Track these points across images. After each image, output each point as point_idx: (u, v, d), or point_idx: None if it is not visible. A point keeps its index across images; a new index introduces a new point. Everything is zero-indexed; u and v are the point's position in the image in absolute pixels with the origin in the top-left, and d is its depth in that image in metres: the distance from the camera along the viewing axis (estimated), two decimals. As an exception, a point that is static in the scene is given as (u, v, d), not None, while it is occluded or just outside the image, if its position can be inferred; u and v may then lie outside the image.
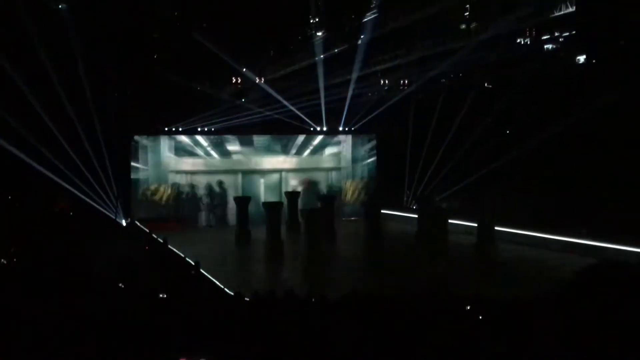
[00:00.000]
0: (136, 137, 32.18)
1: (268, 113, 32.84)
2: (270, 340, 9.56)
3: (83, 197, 29.08)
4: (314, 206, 30.10)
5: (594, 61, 30.78)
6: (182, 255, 22.09)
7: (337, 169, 37.31)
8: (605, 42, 29.58)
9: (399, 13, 34.76)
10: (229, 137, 34.07)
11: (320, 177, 37.08)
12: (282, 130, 34.03)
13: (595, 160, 26.11)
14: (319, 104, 33.50)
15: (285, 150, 35.66)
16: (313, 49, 35.78)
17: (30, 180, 27.66)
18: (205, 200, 35.06)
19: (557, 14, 30.37)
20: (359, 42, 35.27)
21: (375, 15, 36.26)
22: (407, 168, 34.38)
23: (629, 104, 25.51)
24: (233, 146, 34.40)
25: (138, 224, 29.97)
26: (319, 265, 21.72)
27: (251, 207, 29.47)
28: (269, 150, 35.67)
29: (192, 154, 34.21)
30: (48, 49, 28.13)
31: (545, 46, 33.25)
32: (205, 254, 22.72)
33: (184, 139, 33.55)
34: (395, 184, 34.65)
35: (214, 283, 18.61)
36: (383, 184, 34.95)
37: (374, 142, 36.01)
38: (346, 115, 34.27)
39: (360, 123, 34.57)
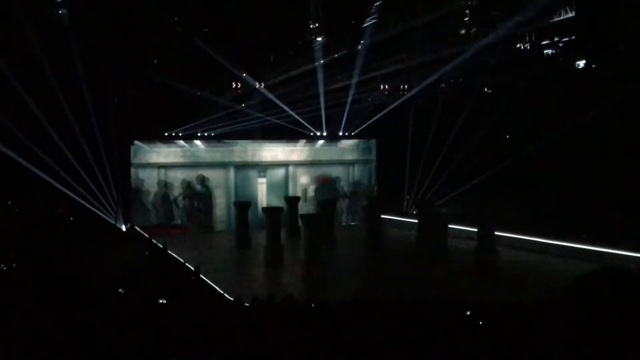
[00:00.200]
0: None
1: (268, 118, 32.67)
2: (269, 346, 9.53)
3: (83, 202, 29.04)
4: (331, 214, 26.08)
5: (593, 66, 30.76)
6: (182, 261, 22.07)
7: (365, 161, 33.07)
8: (604, 47, 29.57)
9: (399, 18, 34.77)
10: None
11: (340, 172, 32.58)
12: (281, 136, 33.50)
13: (595, 165, 26.09)
14: (319, 109, 33.42)
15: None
16: (313, 54, 35.76)
17: (29, 185, 27.61)
18: (182, 203, 29.39)
19: (556, 19, 30.36)
20: (359, 47, 35.26)
21: (375, 20, 36.26)
22: (407, 173, 34.35)
23: (629, 109, 25.48)
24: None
25: (137, 229, 29.92)
26: (319, 271, 21.64)
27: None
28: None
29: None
30: (47, 54, 28.13)
31: (545, 51, 33.24)
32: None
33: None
34: (395, 189, 34.61)
35: (214, 289, 18.59)
36: (383, 189, 34.91)
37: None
38: (346, 120, 34.22)
39: (360, 128, 34.53)
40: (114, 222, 30.12)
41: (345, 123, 34.30)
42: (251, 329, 10.27)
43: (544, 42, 32.41)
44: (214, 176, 29.19)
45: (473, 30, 33.82)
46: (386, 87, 37.94)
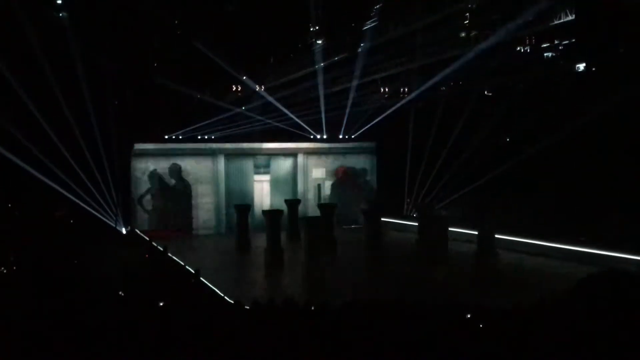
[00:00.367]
0: None
1: (268, 121, 32.62)
2: (270, 348, 9.52)
3: (83, 204, 29.02)
4: (355, 216, 21.86)
5: (593, 69, 30.81)
6: (182, 263, 22.05)
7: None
8: (604, 50, 29.61)
9: (399, 21, 34.83)
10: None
11: (365, 163, 27.61)
12: (281, 139, 33.57)
13: (595, 167, 26.09)
14: (319, 112, 33.39)
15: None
16: (313, 57, 35.77)
17: (30, 188, 27.61)
18: (150, 203, 23.51)
19: (556, 22, 30.43)
20: (359, 50, 35.29)
21: (375, 23, 36.31)
22: (407, 176, 34.33)
23: (629, 111, 25.51)
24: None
25: (138, 232, 29.89)
26: (319, 274, 21.61)
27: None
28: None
29: None
30: (48, 58, 28.16)
31: (545, 54, 33.30)
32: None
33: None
34: (395, 192, 34.58)
35: (214, 291, 18.57)
36: (383, 192, 34.88)
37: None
38: (346, 123, 34.21)
39: (361, 131, 34.53)
40: (114, 225, 30.10)
41: (345, 126, 34.30)
42: (251, 331, 10.27)
43: (544, 45, 32.46)
44: (197, 168, 22.71)
45: (473, 33, 33.86)
46: (386, 90, 37.98)
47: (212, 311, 13.11)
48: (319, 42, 38.27)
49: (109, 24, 31.50)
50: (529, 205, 27.48)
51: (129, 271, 18.27)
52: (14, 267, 18.69)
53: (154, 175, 23.94)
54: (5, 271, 18.19)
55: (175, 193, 23.16)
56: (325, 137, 34.21)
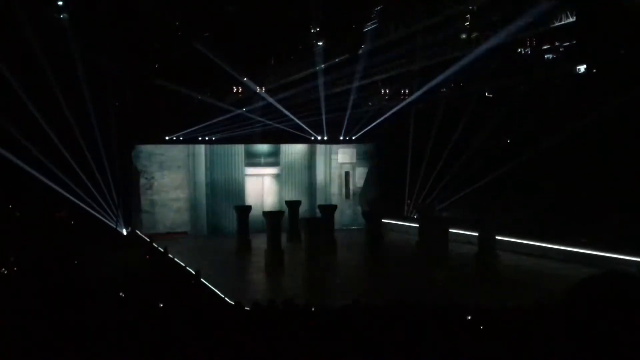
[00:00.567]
0: None
1: (268, 122, 32.62)
2: (270, 348, 9.51)
3: (84, 206, 29.03)
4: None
5: (594, 71, 30.78)
6: (183, 264, 22.04)
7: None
8: (605, 52, 29.59)
9: (400, 22, 34.79)
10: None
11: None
12: (282, 140, 33.40)
13: (595, 168, 26.09)
14: (320, 113, 33.37)
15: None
16: (314, 59, 35.76)
17: (30, 188, 27.62)
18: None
19: (557, 23, 30.39)
20: (360, 51, 35.27)
21: (375, 25, 36.29)
22: (408, 177, 34.33)
23: (629, 113, 25.50)
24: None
25: (139, 233, 29.89)
26: (319, 275, 21.59)
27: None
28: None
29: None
30: (49, 59, 28.19)
31: (546, 56, 33.27)
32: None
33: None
34: (395, 193, 34.58)
35: (215, 292, 18.56)
36: (383, 193, 34.87)
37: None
38: (347, 124, 34.21)
39: (361, 132, 34.53)
40: (114, 226, 30.10)
41: (346, 127, 34.30)
42: (252, 332, 10.26)
43: (545, 47, 32.44)
44: (164, 152, 16.95)
45: (474, 34, 33.82)
46: (387, 91, 37.96)
47: (212, 312, 13.11)
48: (319, 43, 38.25)
49: (109, 24, 31.49)
50: (529, 207, 27.48)
51: (129, 272, 18.26)
52: (14, 268, 18.69)
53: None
54: (5, 271, 18.19)
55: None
56: (325, 138, 34.23)
